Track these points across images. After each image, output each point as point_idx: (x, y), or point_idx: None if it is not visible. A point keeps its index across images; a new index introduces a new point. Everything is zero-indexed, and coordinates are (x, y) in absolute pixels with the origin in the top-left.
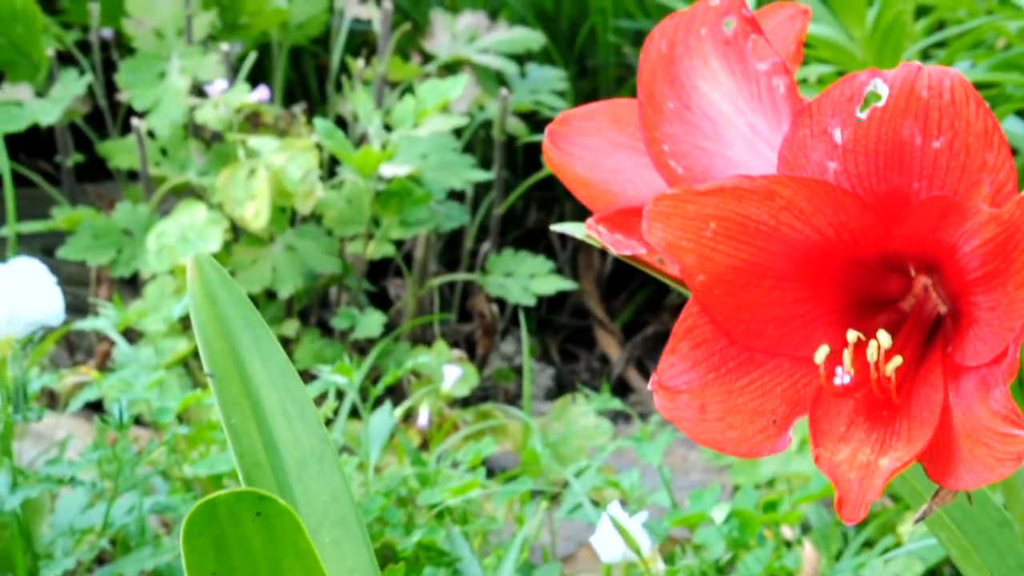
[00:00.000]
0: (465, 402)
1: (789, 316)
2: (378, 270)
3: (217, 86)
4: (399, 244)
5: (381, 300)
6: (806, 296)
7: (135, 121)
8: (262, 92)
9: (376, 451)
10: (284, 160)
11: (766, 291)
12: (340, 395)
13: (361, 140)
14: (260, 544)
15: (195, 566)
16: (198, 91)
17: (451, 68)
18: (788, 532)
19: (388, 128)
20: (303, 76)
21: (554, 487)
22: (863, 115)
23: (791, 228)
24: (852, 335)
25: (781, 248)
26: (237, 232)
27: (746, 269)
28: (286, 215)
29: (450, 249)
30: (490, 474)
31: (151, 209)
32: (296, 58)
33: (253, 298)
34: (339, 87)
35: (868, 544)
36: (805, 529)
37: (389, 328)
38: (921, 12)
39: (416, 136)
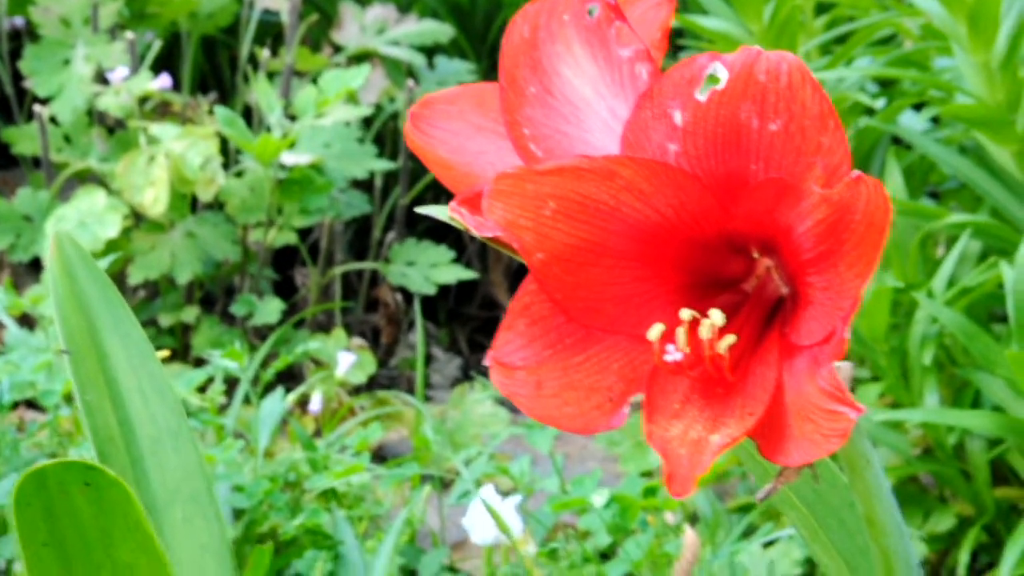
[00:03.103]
0: (370, 390)
1: (628, 295)
2: (287, 259)
3: (118, 73)
4: (307, 233)
5: (288, 288)
6: (646, 275)
7: (37, 107)
8: (164, 80)
9: (266, 436)
10: (184, 147)
11: (605, 270)
12: (235, 382)
13: (270, 129)
14: (91, 515)
15: (27, 536)
16: (104, 79)
17: (362, 60)
18: (671, 518)
19: (295, 118)
20: (217, 67)
21: (448, 474)
22: (702, 97)
23: (631, 208)
24: (686, 313)
25: (621, 228)
26: (140, 219)
27: (585, 248)
28: (187, 202)
29: (360, 238)
30: (386, 460)
31: (52, 195)
32: (210, 49)
33: (154, 284)
34: (248, 77)
35: (753, 530)
36: (695, 519)
37: (293, 316)
38: (822, 8)
39: (319, 125)
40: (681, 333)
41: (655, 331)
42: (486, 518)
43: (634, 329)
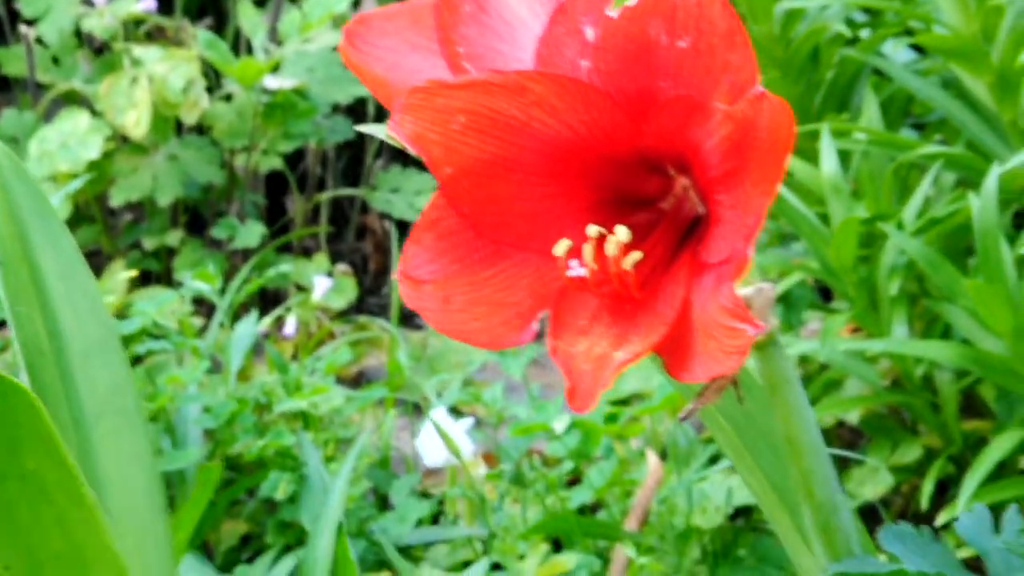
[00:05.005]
0: (359, 315)
1: (538, 211)
2: (280, 185)
3: None
4: (300, 159)
5: (279, 214)
6: (557, 192)
7: (24, 28)
8: (148, 3)
9: (238, 358)
10: (166, 70)
11: (515, 185)
12: (214, 306)
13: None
14: None
15: None
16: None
17: None
18: (637, 445)
19: (283, 43)
20: None
21: (425, 401)
22: (614, 13)
23: (542, 124)
24: (593, 230)
25: (531, 143)
26: (125, 141)
27: (494, 163)
28: (171, 125)
29: (354, 166)
30: (364, 385)
31: (37, 116)
32: None
33: (138, 206)
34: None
35: (718, 458)
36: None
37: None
38: None
39: (303, 50)
40: (587, 249)
41: (561, 247)
42: (437, 440)
43: (544, 245)
